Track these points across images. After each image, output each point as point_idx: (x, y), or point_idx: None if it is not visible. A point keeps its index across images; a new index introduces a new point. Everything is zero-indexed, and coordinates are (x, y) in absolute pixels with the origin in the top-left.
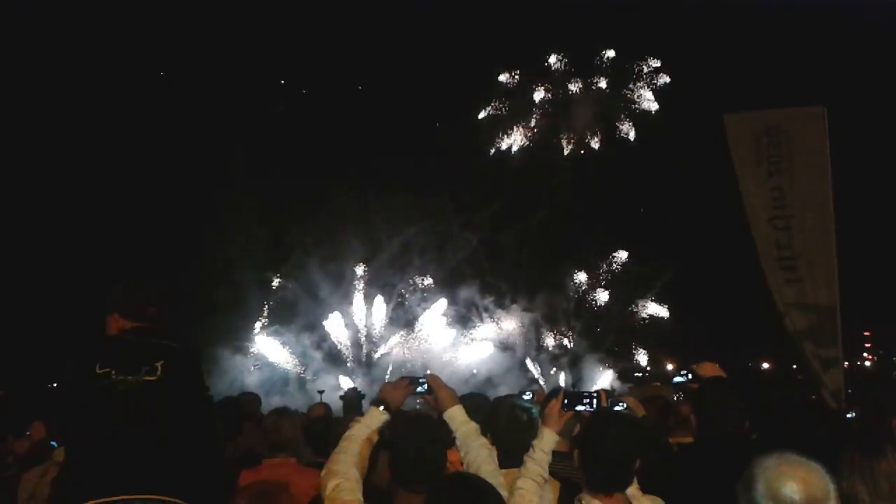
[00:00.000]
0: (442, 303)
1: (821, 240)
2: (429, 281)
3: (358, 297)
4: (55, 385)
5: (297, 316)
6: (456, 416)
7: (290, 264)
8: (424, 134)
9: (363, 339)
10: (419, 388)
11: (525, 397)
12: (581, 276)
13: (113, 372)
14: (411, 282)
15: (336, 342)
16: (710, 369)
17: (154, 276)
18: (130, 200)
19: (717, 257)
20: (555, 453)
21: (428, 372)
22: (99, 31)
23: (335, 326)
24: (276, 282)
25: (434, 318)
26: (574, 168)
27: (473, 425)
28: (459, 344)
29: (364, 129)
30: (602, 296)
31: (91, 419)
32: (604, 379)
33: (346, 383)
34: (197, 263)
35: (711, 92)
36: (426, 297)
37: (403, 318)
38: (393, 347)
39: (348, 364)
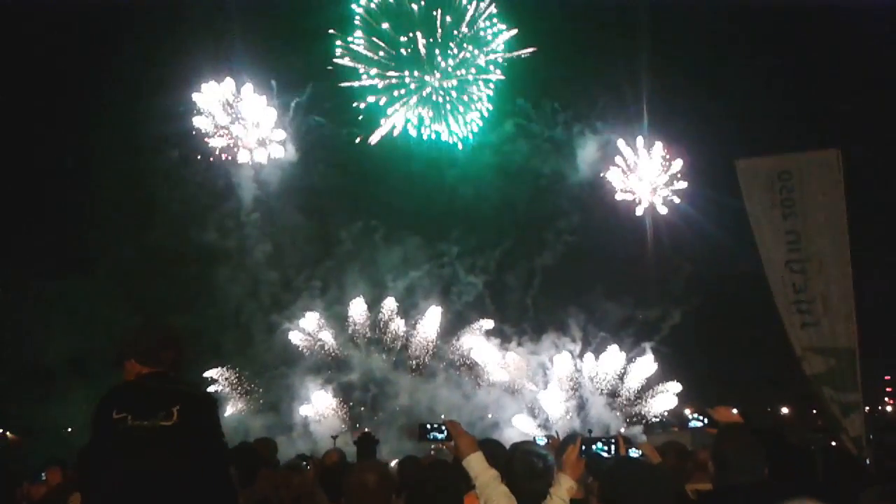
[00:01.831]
0: (487, 323)
1: (837, 282)
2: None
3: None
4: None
5: (303, 358)
6: (475, 464)
7: (296, 307)
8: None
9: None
10: (438, 435)
11: (540, 443)
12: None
13: (129, 417)
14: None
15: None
16: (726, 414)
17: (166, 320)
18: (143, 246)
19: (734, 299)
20: (570, 500)
21: (443, 417)
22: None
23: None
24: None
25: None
26: (581, 211)
27: (493, 472)
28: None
29: (374, 174)
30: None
31: (108, 464)
32: (613, 421)
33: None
34: (206, 307)
35: (723, 137)
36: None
37: (410, 362)
38: (399, 391)
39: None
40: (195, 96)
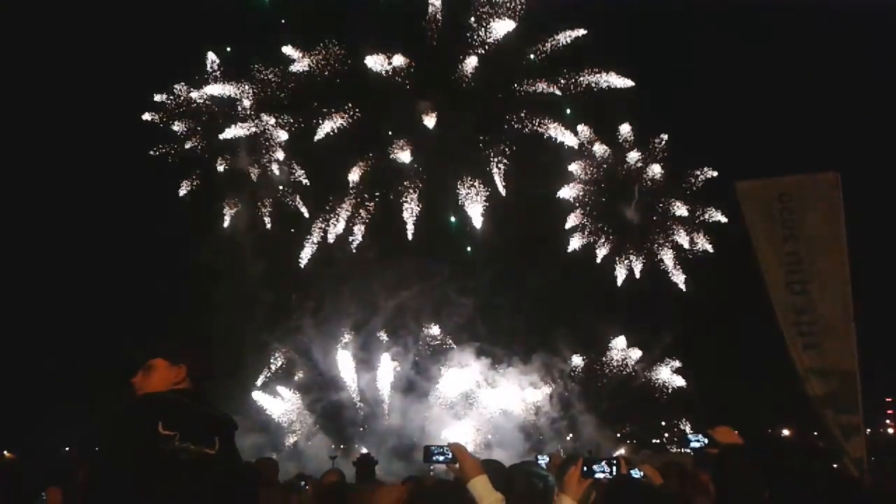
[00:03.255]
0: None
1: (838, 304)
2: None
3: (350, 360)
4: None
5: (292, 378)
6: (480, 486)
7: (285, 327)
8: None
9: (358, 402)
10: (443, 458)
11: (541, 462)
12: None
13: (177, 436)
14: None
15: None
16: (726, 434)
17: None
18: (137, 266)
19: (736, 319)
20: None
21: (446, 439)
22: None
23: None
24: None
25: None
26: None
27: (498, 496)
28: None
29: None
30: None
31: (151, 484)
32: (604, 442)
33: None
34: (196, 327)
35: (719, 157)
36: (423, 358)
37: (403, 381)
38: (391, 411)
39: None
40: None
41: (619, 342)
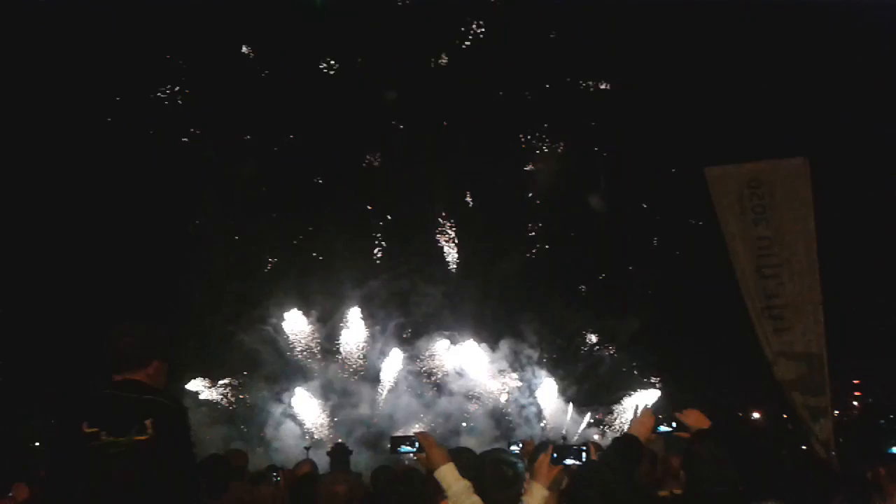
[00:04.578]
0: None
1: (808, 288)
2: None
3: (318, 349)
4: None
5: (260, 368)
6: (448, 474)
7: (251, 318)
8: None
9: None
10: (410, 447)
11: (513, 449)
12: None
13: (103, 432)
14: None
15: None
16: (694, 417)
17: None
18: (98, 258)
19: (704, 302)
20: None
21: (414, 429)
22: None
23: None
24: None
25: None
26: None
27: (465, 483)
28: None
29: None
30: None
31: (81, 482)
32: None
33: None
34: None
35: (687, 145)
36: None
37: (371, 371)
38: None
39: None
40: None
41: (587, 328)
